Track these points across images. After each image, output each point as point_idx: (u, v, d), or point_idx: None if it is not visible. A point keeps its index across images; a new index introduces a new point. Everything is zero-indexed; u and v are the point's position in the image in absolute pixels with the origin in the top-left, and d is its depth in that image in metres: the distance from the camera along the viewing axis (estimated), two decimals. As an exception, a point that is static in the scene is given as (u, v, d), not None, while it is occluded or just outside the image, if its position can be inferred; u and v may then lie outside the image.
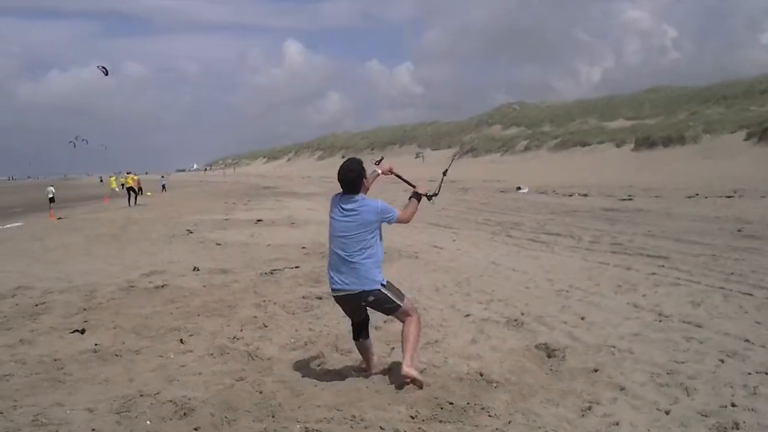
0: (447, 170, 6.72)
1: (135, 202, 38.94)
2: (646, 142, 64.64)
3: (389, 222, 5.72)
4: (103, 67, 55.40)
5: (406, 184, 6.45)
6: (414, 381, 5.54)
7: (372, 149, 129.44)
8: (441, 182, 6.49)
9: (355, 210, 5.59)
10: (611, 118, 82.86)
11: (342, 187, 5.71)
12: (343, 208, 5.64)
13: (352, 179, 5.65)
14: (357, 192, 5.67)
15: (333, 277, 5.67)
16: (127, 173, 43.90)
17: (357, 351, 6.26)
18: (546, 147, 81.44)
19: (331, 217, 5.74)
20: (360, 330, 5.99)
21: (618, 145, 68.95)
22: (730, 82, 79.15)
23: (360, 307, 5.77)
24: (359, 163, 5.78)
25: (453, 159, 7.88)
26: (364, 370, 6.10)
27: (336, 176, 5.66)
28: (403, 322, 5.76)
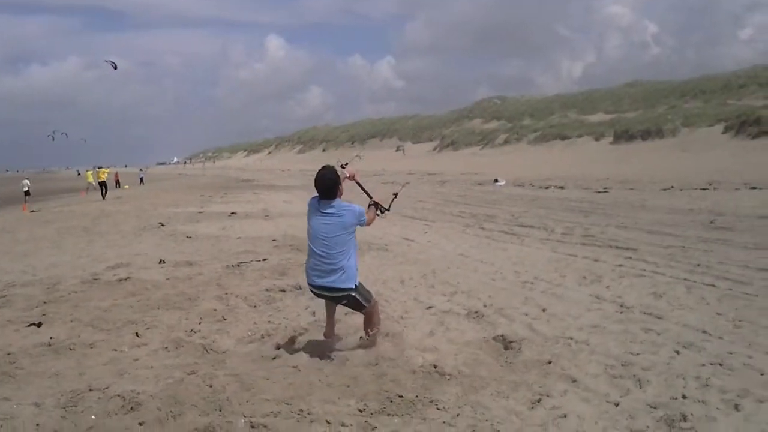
0: (398, 193, 7.04)
1: (105, 196, 38.65)
2: (624, 136, 64.97)
3: (362, 225, 6.16)
4: (112, 62, 55.27)
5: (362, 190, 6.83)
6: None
7: (353, 142, 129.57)
8: (392, 201, 6.83)
9: (336, 213, 6.01)
10: (591, 111, 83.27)
11: (320, 194, 6.07)
12: (323, 212, 6.03)
13: (329, 187, 6.02)
14: (334, 198, 6.06)
15: (312, 276, 6.12)
16: (98, 167, 43.36)
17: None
18: (526, 140, 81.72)
19: (312, 221, 6.11)
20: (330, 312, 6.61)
21: (597, 139, 69.30)
22: (708, 77, 79.75)
23: (333, 299, 6.27)
24: (334, 171, 6.12)
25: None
26: (327, 338, 6.63)
27: (314, 170, 6.08)
28: (365, 318, 6.44)
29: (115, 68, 57.51)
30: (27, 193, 41.55)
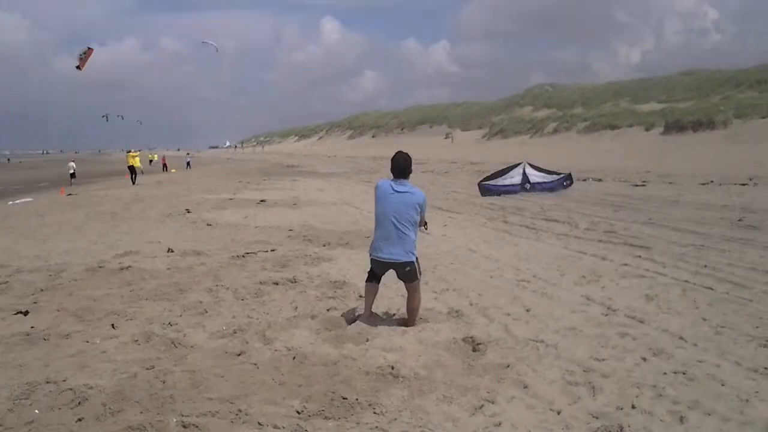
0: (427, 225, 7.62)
1: (134, 182, 37.92)
2: (675, 126, 63.87)
3: (423, 213, 7.09)
4: (212, 44, 56.57)
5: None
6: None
7: (402, 129, 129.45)
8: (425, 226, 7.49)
9: (408, 192, 6.92)
10: (643, 100, 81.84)
11: (395, 173, 7.03)
12: (397, 191, 6.90)
13: (406, 166, 7.04)
14: (407, 177, 7.05)
15: (381, 247, 6.93)
16: (127, 152, 41.94)
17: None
18: (575, 129, 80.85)
19: (385, 199, 6.92)
20: (375, 277, 7.27)
21: (647, 129, 68.27)
22: (765, 66, 77.47)
23: (393, 269, 7.02)
24: (408, 155, 7.14)
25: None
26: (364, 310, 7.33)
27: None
28: (410, 294, 7.13)
29: (217, 50, 58.86)
30: (72, 175, 42.29)
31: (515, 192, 23.45)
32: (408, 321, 7.18)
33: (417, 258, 7.03)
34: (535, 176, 24.33)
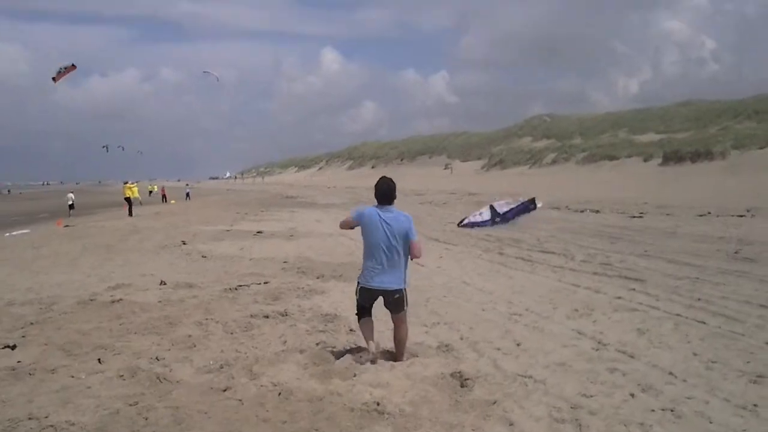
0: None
1: (130, 213, 37.27)
2: (674, 157, 63.85)
3: (412, 237, 6.88)
4: (212, 74, 56.97)
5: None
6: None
7: (402, 159, 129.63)
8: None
9: (396, 218, 6.84)
10: (641, 131, 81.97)
11: (380, 199, 6.96)
12: (385, 218, 6.82)
13: (390, 192, 6.94)
14: (392, 203, 6.97)
15: (372, 276, 6.87)
16: (124, 183, 41.88)
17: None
18: (574, 160, 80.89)
19: (374, 225, 6.83)
20: (367, 311, 7.20)
21: (645, 160, 68.28)
22: (763, 96, 77.71)
23: (382, 297, 6.96)
24: (392, 180, 7.05)
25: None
26: (358, 351, 7.27)
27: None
28: (396, 325, 7.08)
29: (218, 80, 59.24)
30: (71, 206, 42.33)
31: (487, 226, 23.76)
32: (396, 355, 7.13)
33: (406, 287, 7.00)
34: (502, 206, 24.88)
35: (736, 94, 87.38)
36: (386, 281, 6.82)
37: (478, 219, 24.38)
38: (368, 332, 7.15)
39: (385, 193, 6.93)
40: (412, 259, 7.07)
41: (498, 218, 24.16)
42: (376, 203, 7.02)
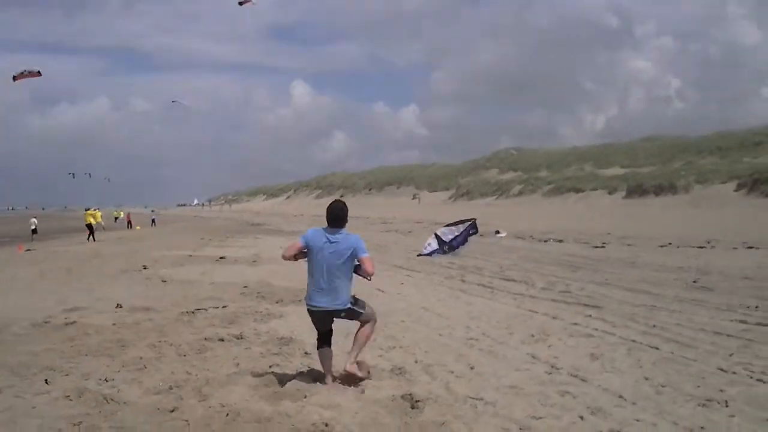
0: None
1: (93, 238, 37.67)
2: (638, 190, 64.93)
3: (361, 254, 6.82)
4: (182, 103, 57.50)
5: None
6: (352, 376, 6.91)
7: (370, 189, 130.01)
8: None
9: (342, 239, 6.79)
10: (606, 165, 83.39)
11: (330, 221, 6.89)
12: (331, 240, 6.77)
13: (342, 215, 6.91)
14: (343, 226, 6.91)
15: (315, 297, 6.82)
16: (86, 209, 42.20)
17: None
18: (540, 192, 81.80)
19: (319, 247, 6.77)
20: (325, 340, 7.07)
21: (610, 192, 69.32)
22: (725, 133, 79.75)
23: (332, 317, 6.95)
24: (345, 204, 7.10)
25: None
26: (323, 376, 7.08)
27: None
28: (361, 325, 7.02)
29: (189, 107, 59.88)
30: (34, 231, 41.93)
31: (440, 254, 23.70)
32: (351, 351, 7.00)
33: (356, 300, 6.96)
34: (447, 235, 24.69)
35: (699, 131, 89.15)
36: (330, 302, 6.77)
37: (428, 249, 24.23)
38: (326, 363, 7.07)
39: (337, 216, 6.89)
40: (367, 277, 6.96)
41: (446, 247, 24.09)
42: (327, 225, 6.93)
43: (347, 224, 7.00)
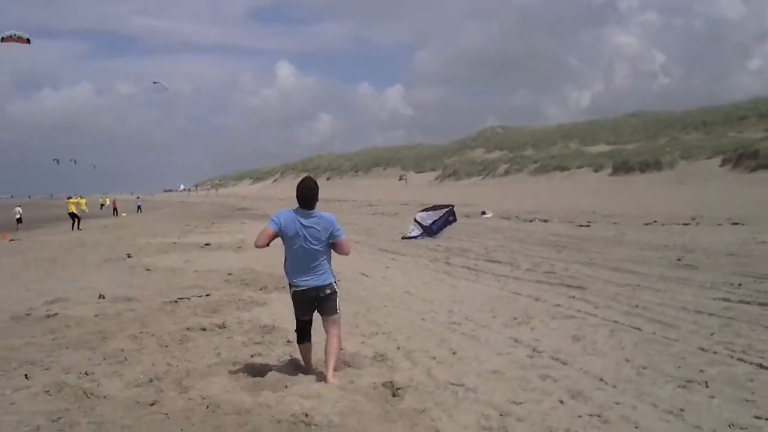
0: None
1: (78, 227, 37.44)
2: (623, 167, 65.07)
3: (337, 237, 6.73)
4: (162, 84, 57.07)
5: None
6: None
7: (356, 171, 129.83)
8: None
9: (316, 221, 6.60)
10: (592, 142, 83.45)
11: (300, 202, 6.66)
12: (304, 221, 6.57)
13: (312, 195, 6.65)
14: (313, 207, 6.66)
15: (300, 278, 6.68)
16: (68, 198, 41.90)
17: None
18: (526, 171, 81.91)
19: (294, 232, 6.56)
20: (305, 333, 6.98)
21: (596, 170, 69.46)
22: (710, 108, 79.81)
23: (315, 299, 6.76)
24: (315, 182, 6.88)
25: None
26: (304, 368, 7.08)
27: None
28: (329, 333, 6.80)
29: (167, 89, 59.30)
30: (19, 220, 41.71)
31: (423, 238, 23.65)
32: (326, 369, 6.69)
33: (336, 282, 6.91)
34: (427, 220, 24.62)
35: (684, 106, 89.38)
36: (316, 280, 6.66)
37: (414, 234, 24.11)
38: (306, 356, 7.06)
39: (307, 196, 6.62)
40: (344, 254, 6.92)
41: (429, 230, 24.09)
42: (298, 206, 6.70)
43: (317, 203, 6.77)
